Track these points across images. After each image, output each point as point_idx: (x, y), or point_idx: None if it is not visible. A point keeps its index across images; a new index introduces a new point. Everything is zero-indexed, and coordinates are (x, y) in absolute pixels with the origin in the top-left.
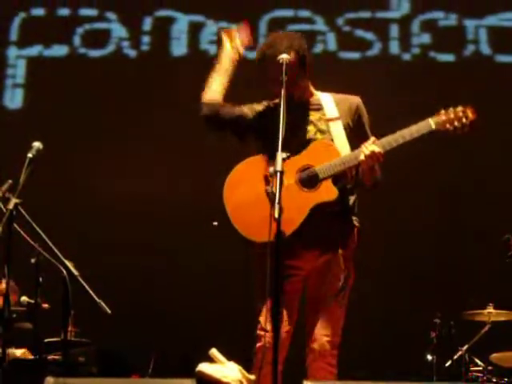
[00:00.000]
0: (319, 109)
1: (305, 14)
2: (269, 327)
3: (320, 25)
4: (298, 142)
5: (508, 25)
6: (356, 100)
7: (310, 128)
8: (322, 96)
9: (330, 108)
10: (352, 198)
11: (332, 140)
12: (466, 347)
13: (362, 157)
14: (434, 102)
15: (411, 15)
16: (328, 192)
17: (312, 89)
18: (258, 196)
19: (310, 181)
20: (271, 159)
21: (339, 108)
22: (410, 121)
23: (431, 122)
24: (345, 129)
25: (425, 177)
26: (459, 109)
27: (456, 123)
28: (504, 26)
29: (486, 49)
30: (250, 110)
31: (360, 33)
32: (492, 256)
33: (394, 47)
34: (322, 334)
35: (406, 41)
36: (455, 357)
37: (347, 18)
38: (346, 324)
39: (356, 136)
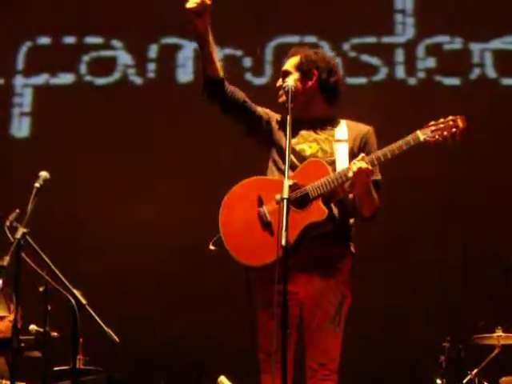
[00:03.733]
0: (329, 129)
1: (311, 39)
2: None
3: (326, 50)
4: (298, 158)
5: None
6: (366, 128)
7: (313, 146)
8: (335, 119)
9: (341, 131)
10: (350, 222)
11: (333, 161)
12: (475, 371)
13: (350, 173)
14: None
15: (416, 40)
16: (318, 212)
17: (326, 109)
18: (251, 219)
19: (301, 201)
20: (271, 173)
21: (349, 133)
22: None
23: (419, 134)
24: (349, 153)
25: (430, 196)
26: (449, 118)
27: (445, 133)
28: (509, 49)
29: (491, 72)
30: (263, 111)
31: (366, 58)
32: (500, 278)
33: (400, 72)
34: (319, 360)
35: (411, 65)
36: (465, 381)
37: (353, 43)
38: (352, 348)
39: None
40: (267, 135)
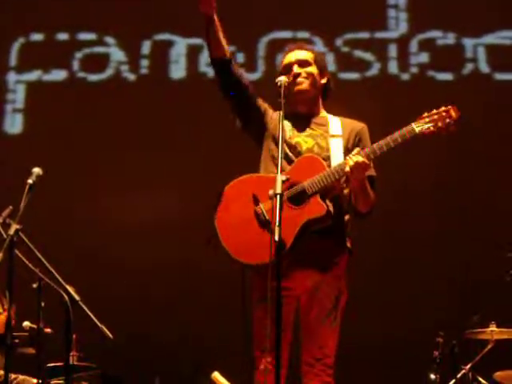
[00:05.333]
0: (324, 125)
1: (303, 35)
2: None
3: (319, 46)
4: (293, 152)
5: (506, 43)
6: (360, 125)
7: (309, 141)
8: (329, 116)
9: (335, 126)
10: (346, 218)
11: (329, 156)
12: (469, 366)
13: (347, 168)
14: None
15: (409, 35)
16: (317, 208)
17: (322, 108)
18: (248, 217)
19: (298, 197)
20: (265, 169)
21: (343, 129)
22: (410, 140)
23: (414, 127)
24: (344, 149)
25: (423, 193)
26: (442, 109)
27: (439, 124)
28: (502, 44)
29: (484, 67)
30: (262, 102)
31: (359, 53)
32: (494, 274)
33: (393, 67)
34: (315, 355)
35: (404, 60)
36: (458, 376)
37: (346, 38)
38: (347, 343)
39: None
40: (263, 126)
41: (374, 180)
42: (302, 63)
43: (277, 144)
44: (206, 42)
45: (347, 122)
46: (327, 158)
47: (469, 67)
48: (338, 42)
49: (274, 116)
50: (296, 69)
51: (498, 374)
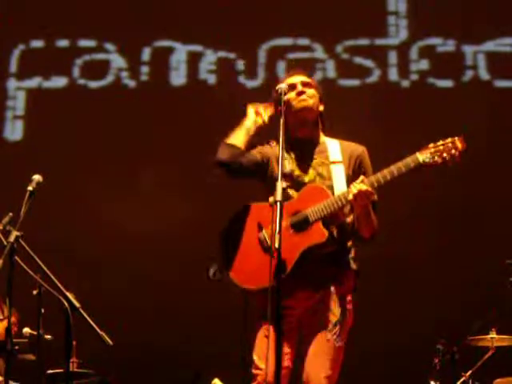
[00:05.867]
0: (323, 152)
1: (304, 42)
2: (263, 365)
3: (319, 52)
4: (295, 185)
5: (506, 50)
6: (360, 149)
7: (310, 172)
8: (327, 141)
9: (335, 152)
10: (348, 243)
11: (332, 185)
12: (469, 373)
13: (350, 196)
14: (434, 127)
15: (409, 42)
16: (318, 234)
17: (321, 133)
18: (252, 244)
19: (301, 224)
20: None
21: (343, 153)
22: (410, 147)
23: (418, 157)
24: (346, 175)
25: (424, 200)
26: (448, 140)
27: (445, 155)
28: (502, 51)
29: (484, 74)
30: (260, 154)
31: (359, 60)
32: (495, 280)
33: (393, 74)
34: (317, 371)
35: (404, 67)
36: (458, 382)
37: (346, 45)
38: (348, 350)
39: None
40: (265, 172)
41: (376, 206)
42: (306, 84)
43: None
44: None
45: (346, 146)
46: (330, 187)
47: (469, 74)
48: (339, 48)
49: (269, 154)
50: (301, 87)
51: (498, 381)
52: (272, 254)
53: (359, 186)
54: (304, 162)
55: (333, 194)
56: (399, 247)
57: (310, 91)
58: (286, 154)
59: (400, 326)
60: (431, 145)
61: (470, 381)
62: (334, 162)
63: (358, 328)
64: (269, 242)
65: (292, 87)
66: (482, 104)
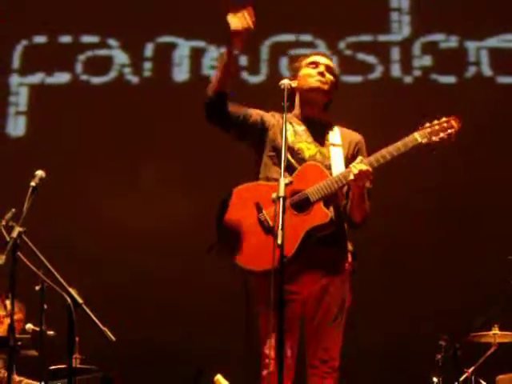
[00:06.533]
0: (325, 133)
1: (306, 38)
2: (272, 354)
3: (322, 49)
4: (295, 158)
5: (509, 46)
6: (358, 136)
7: (312, 147)
8: (330, 125)
9: (335, 136)
10: (345, 225)
11: (330, 165)
12: (471, 369)
13: (351, 176)
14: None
15: (412, 38)
16: (321, 215)
17: (325, 116)
18: (252, 225)
19: (301, 205)
20: (265, 176)
21: (343, 139)
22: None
23: (417, 136)
24: (344, 158)
25: (427, 194)
26: (443, 120)
27: (442, 134)
28: (505, 47)
29: (487, 70)
30: (257, 114)
31: (362, 56)
32: (497, 276)
33: (396, 70)
34: (321, 359)
35: (407, 63)
36: (461, 379)
37: (349, 41)
38: (350, 346)
39: None
40: (261, 134)
41: (370, 192)
42: (329, 69)
43: (275, 150)
44: (221, 74)
45: (346, 132)
46: (329, 167)
47: (472, 70)
48: (341, 44)
49: (272, 121)
50: (324, 69)
51: (500, 378)
52: (274, 236)
53: (359, 165)
54: (307, 137)
55: (331, 174)
56: (400, 241)
57: (330, 78)
58: (289, 126)
59: (402, 322)
60: (427, 124)
61: (473, 377)
62: (333, 145)
63: (361, 324)
64: (270, 222)
65: (314, 64)
66: (485, 100)
